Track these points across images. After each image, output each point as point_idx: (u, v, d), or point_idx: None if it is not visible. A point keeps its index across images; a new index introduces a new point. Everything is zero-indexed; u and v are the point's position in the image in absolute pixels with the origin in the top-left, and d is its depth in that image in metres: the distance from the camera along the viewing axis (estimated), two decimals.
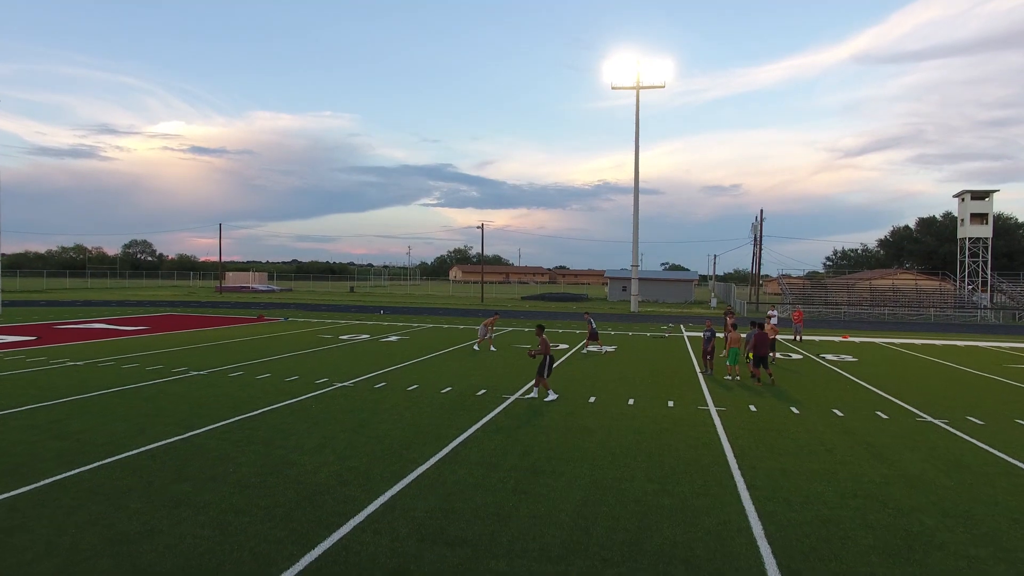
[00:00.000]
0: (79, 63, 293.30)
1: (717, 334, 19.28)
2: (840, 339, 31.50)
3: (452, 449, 9.97)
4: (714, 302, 62.39)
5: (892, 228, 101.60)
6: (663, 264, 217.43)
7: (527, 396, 14.47)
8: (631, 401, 14.22)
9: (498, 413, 12.64)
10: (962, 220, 56.46)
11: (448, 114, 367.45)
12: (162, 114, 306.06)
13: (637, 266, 53.34)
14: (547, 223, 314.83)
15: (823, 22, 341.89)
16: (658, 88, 53.38)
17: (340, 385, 15.31)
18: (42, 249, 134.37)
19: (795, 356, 23.60)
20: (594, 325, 23.67)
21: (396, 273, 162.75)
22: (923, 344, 30.05)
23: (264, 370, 17.37)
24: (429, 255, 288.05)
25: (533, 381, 14.95)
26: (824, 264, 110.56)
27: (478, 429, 11.28)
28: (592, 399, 14.34)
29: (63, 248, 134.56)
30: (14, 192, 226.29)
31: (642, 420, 12.34)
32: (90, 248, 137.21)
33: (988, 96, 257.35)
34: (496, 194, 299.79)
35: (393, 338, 26.86)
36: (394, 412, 12.49)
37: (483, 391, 14.99)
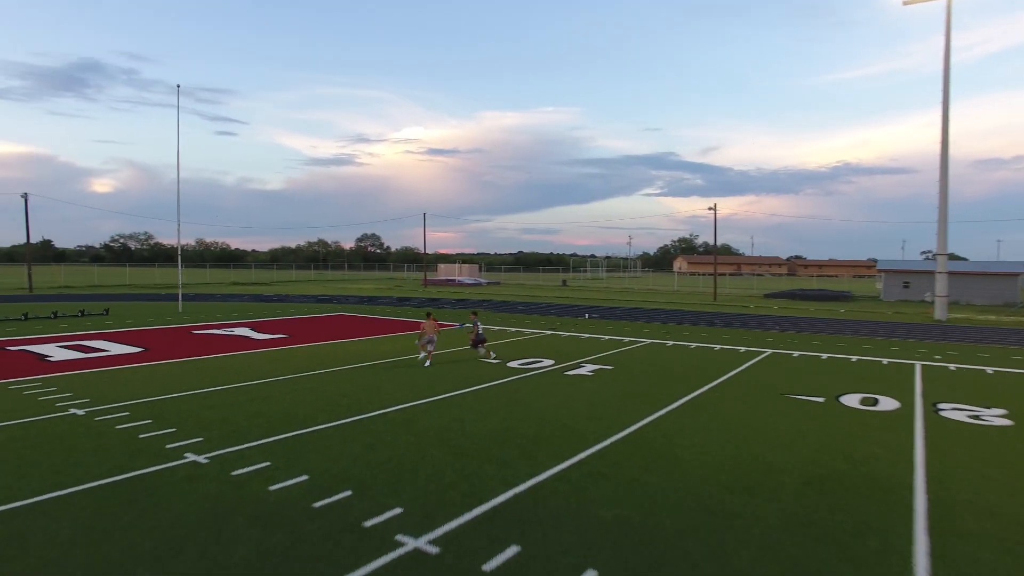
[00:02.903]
0: (341, 83, 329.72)
1: None
2: None
3: None
4: None
5: None
6: (924, 253, 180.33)
7: None
8: None
9: None
10: None
11: (669, 101, 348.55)
12: (404, 121, 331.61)
13: (945, 255, 37.55)
14: (778, 210, 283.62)
15: None
16: None
17: (413, 546, 6.31)
18: (292, 245, 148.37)
19: None
20: (480, 328, 19.20)
21: (615, 264, 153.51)
22: None
23: (316, 457, 9.08)
24: (651, 245, 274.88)
25: None
26: None
27: None
28: None
29: (308, 243, 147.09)
30: (295, 197, 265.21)
31: None
32: (330, 243, 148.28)
33: None
34: (722, 181, 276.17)
35: (587, 370, 17.47)
36: None
37: None
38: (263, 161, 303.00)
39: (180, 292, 33.35)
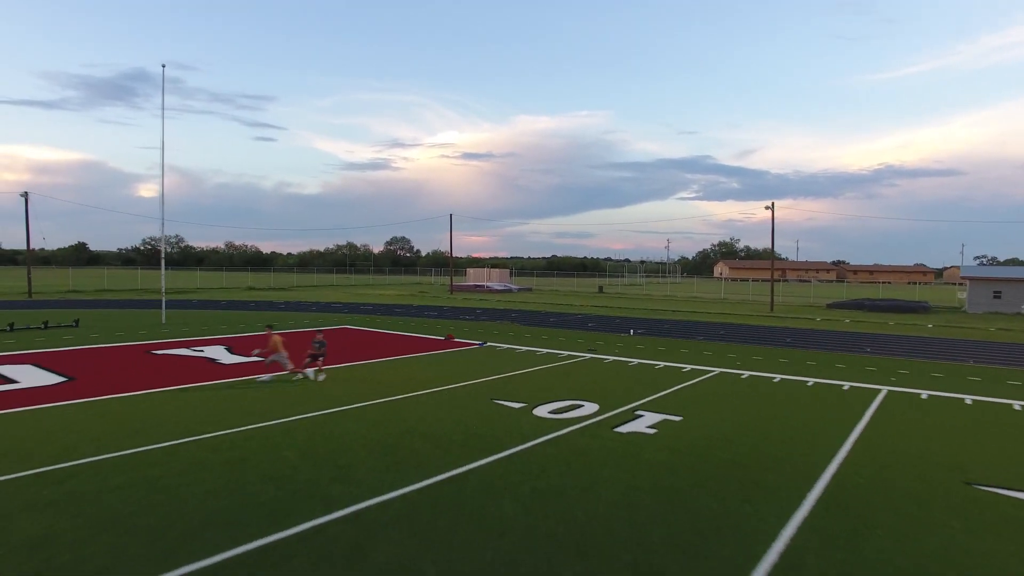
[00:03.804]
0: (375, 88, 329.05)
1: None
2: None
3: None
4: None
5: None
6: (977, 258, 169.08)
7: None
8: None
9: None
10: None
11: (704, 104, 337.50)
12: (438, 126, 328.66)
13: None
14: (816, 213, 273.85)
15: None
16: None
17: None
18: (321, 248, 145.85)
19: None
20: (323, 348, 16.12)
21: (653, 269, 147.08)
22: None
23: None
24: (689, 250, 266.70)
25: None
26: None
27: None
28: None
29: (338, 246, 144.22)
30: (331, 201, 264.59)
31: None
32: (359, 246, 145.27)
33: None
34: (758, 184, 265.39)
35: (646, 424, 12.41)
36: None
37: None
38: (301, 166, 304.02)
39: (164, 299, 29.19)
